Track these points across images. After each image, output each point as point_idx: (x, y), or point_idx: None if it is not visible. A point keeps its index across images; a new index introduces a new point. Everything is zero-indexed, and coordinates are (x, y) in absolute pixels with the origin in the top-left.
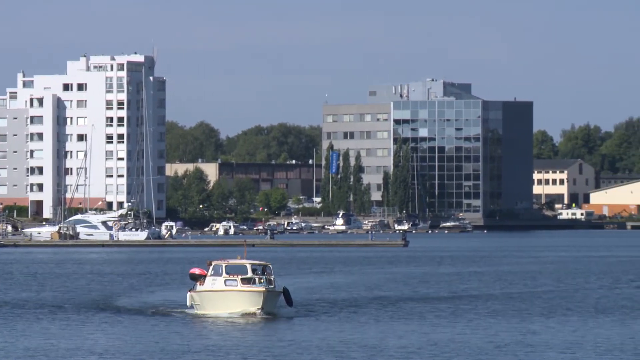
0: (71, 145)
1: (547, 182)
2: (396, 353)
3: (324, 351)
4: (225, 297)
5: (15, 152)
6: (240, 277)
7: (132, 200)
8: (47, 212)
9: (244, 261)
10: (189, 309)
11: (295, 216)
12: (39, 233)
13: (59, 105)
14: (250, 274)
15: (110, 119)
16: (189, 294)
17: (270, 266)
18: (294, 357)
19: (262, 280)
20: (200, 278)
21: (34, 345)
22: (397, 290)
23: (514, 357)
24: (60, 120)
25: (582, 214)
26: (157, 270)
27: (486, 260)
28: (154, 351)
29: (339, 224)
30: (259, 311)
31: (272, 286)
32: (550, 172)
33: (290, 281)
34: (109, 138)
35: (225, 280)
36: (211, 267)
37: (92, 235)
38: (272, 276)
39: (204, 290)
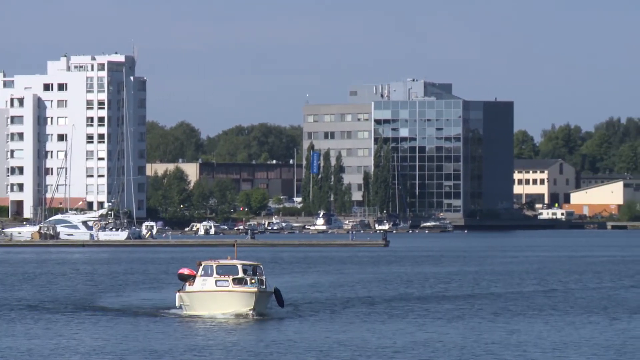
0: (52, 145)
1: (527, 182)
2: (382, 352)
3: (307, 351)
4: (216, 298)
5: None
6: (231, 277)
7: (112, 200)
8: (28, 212)
9: (234, 261)
10: (177, 309)
11: (275, 216)
12: (20, 233)
13: (40, 105)
14: (241, 275)
15: (90, 119)
16: (177, 294)
17: (261, 266)
18: (277, 357)
19: (253, 281)
20: (190, 278)
21: (17, 345)
22: (380, 290)
23: (498, 356)
24: (40, 120)
25: (562, 214)
26: (139, 269)
27: (468, 260)
28: (137, 351)
29: (320, 223)
30: (251, 312)
31: (264, 287)
32: (531, 172)
33: (272, 281)
34: (90, 138)
35: (216, 281)
36: (201, 268)
37: (72, 235)
38: (264, 276)
39: (194, 291)
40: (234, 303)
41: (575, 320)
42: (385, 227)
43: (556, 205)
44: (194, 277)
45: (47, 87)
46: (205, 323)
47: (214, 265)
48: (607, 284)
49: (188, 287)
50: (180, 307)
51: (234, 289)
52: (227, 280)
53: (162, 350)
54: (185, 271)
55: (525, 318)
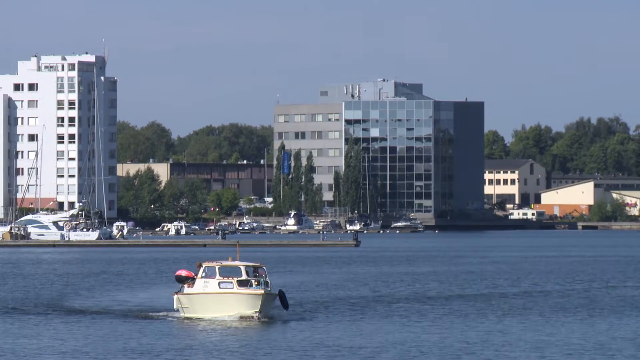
0: (22, 145)
1: (498, 182)
2: (362, 352)
3: (292, 352)
4: (220, 300)
5: None
6: (236, 279)
7: (83, 201)
8: None
9: (237, 263)
10: (174, 311)
11: (246, 216)
12: None
13: (10, 105)
14: (244, 276)
15: (61, 119)
16: (175, 296)
17: (264, 267)
18: (260, 358)
19: (258, 283)
20: (188, 280)
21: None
22: (355, 290)
23: (479, 356)
24: (11, 120)
25: (533, 214)
26: (113, 270)
27: (439, 260)
28: (127, 352)
29: (291, 224)
30: (257, 314)
31: (269, 288)
32: (502, 172)
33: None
34: (60, 138)
35: (219, 283)
36: (202, 269)
37: (43, 235)
38: (267, 278)
39: (195, 293)
40: (239, 305)
41: (551, 319)
42: (356, 227)
43: (533, 206)
44: (193, 278)
45: (17, 87)
46: (205, 326)
47: (217, 267)
48: (578, 285)
49: (187, 289)
50: (178, 310)
51: (239, 291)
52: (231, 282)
53: (148, 352)
54: (183, 273)
55: (502, 318)
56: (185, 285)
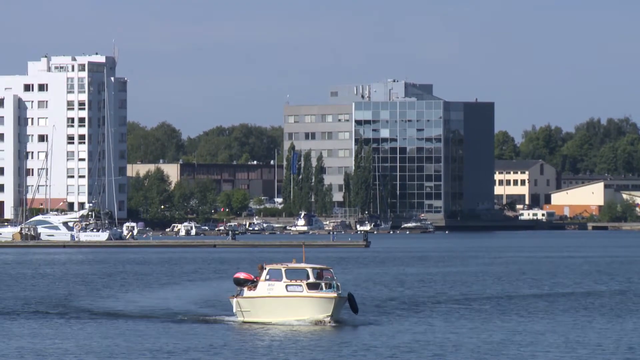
0: (32, 145)
1: (508, 182)
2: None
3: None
4: (288, 304)
5: None
6: (305, 282)
7: (93, 201)
8: (9, 213)
9: (303, 265)
10: (232, 315)
11: (256, 217)
12: (0, 234)
13: (20, 106)
14: (312, 279)
15: (71, 120)
16: (235, 300)
17: (331, 270)
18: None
19: (329, 285)
20: (247, 283)
21: (23, 345)
22: (370, 290)
23: (506, 356)
24: (21, 120)
25: (543, 215)
26: (133, 270)
27: (451, 260)
28: (210, 354)
29: (301, 224)
30: (328, 318)
31: (340, 291)
32: (512, 172)
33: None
34: (70, 139)
35: (286, 285)
36: (265, 271)
37: (53, 235)
38: (336, 280)
39: (259, 296)
40: (310, 309)
41: (581, 319)
42: (367, 227)
43: (546, 206)
44: (252, 281)
45: (27, 87)
46: (279, 330)
47: (283, 269)
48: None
49: (248, 292)
50: (236, 314)
51: (310, 294)
52: (300, 285)
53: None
54: (242, 275)
55: (521, 318)
56: (246, 288)
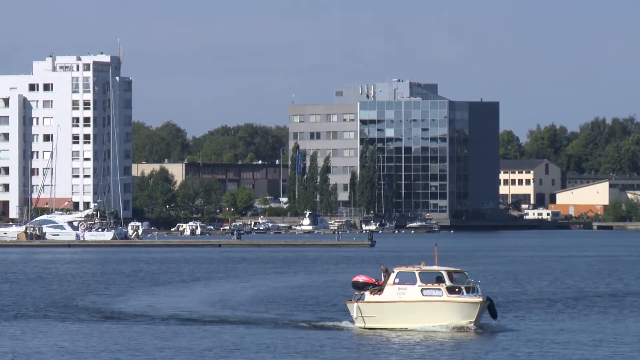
0: (37, 145)
1: (513, 182)
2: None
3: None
4: (426, 309)
5: None
6: (444, 285)
7: (98, 201)
8: (14, 213)
9: (438, 267)
10: (350, 321)
11: (261, 216)
12: (5, 233)
13: (25, 106)
14: (449, 282)
15: (76, 119)
16: (355, 304)
17: (466, 272)
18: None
19: (472, 289)
20: (368, 286)
21: (39, 345)
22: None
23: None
24: (26, 120)
25: (548, 214)
26: (149, 269)
27: (457, 260)
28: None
29: (306, 224)
30: (472, 324)
31: (481, 296)
32: (517, 172)
33: (262, 281)
34: (75, 138)
35: (422, 290)
36: (394, 275)
37: (58, 235)
38: (475, 284)
39: (389, 301)
40: (451, 315)
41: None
42: (372, 227)
43: (551, 206)
44: (374, 285)
45: (32, 87)
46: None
47: (416, 272)
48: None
49: (373, 297)
50: (355, 319)
51: (451, 299)
52: (439, 289)
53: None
54: (362, 279)
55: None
56: (367, 293)
